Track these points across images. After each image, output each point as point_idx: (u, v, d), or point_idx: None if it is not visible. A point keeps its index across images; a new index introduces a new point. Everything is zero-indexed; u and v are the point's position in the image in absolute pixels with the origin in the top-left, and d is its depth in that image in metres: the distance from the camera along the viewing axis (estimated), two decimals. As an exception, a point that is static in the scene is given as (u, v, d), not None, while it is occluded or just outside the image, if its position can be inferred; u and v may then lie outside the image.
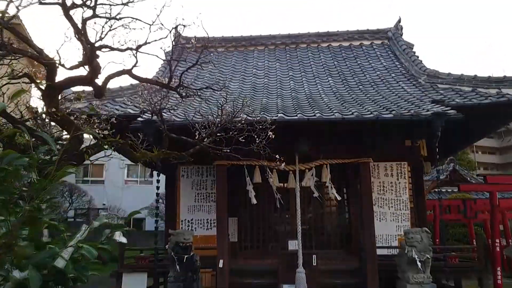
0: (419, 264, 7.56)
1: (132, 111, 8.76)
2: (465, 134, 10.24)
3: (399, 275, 8.23)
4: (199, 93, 5.83)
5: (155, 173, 13.47)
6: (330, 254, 10.20)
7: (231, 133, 5.97)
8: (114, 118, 5.24)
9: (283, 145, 7.44)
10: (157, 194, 7.76)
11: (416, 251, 7.59)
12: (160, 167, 7.76)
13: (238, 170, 8.84)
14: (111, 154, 4.80)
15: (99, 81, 4.77)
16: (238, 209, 10.76)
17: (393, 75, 11.10)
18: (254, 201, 8.54)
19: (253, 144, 5.78)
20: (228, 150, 5.81)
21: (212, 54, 12.18)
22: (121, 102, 9.78)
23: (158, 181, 7.93)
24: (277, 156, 5.93)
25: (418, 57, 11.73)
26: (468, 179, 23.47)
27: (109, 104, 9.40)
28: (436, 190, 15.40)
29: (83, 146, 4.81)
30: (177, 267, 7.93)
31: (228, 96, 6.45)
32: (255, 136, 5.81)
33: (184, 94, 5.47)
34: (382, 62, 12.02)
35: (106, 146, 4.65)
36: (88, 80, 4.54)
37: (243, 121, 5.82)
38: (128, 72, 4.84)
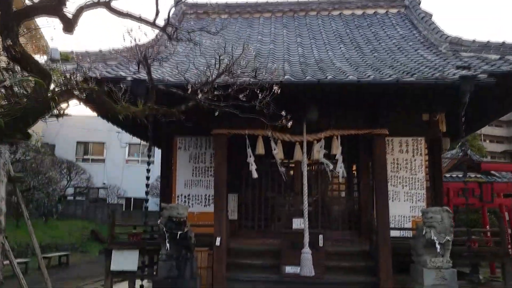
0: (438, 247, 6.76)
1: (124, 74, 7.92)
2: (483, 111, 9.32)
3: (413, 258, 7.44)
4: (190, 37, 4.97)
5: (157, 152, 12.76)
6: (338, 235, 9.45)
7: (230, 90, 5.15)
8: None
9: (290, 114, 6.64)
10: (148, 163, 6.98)
11: (436, 232, 6.79)
12: (151, 133, 6.95)
13: (239, 143, 8.02)
14: (80, 103, 3.99)
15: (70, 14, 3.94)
16: (238, 185, 10.00)
17: (410, 43, 10.15)
18: (255, 174, 7.74)
19: (255, 101, 4.94)
20: (227, 109, 4.99)
21: (216, 20, 11.31)
22: (113, 65, 8.93)
23: (150, 149, 7.14)
24: (282, 113, 5.07)
25: (437, 25, 10.76)
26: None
27: (100, 66, 8.56)
28: (447, 174, 14.64)
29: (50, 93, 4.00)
30: (168, 244, 7.19)
31: (226, 45, 5.58)
32: (258, 92, 4.98)
33: (174, 36, 4.62)
34: (399, 31, 11.06)
35: (76, 93, 3.82)
36: (54, 8, 3.70)
37: (245, 75, 4.96)
38: (106, 4, 4.00)
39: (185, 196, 9.50)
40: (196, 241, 7.93)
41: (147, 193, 6.89)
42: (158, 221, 7.35)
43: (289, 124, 5.05)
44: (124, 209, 28.34)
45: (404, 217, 9.11)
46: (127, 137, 23.11)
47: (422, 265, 6.95)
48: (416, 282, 7.10)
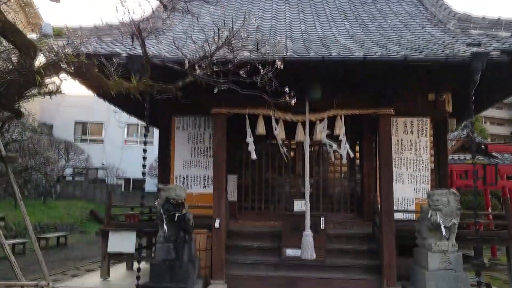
0: (443, 230, 6.56)
1: (119, 51, 7.59)
2: (490, 91, 9.01)
3: (417, 242, 7.26)
4: (187, 7, 4.63)
5: (156, 133, 12.47)
6: (340, 218, 9.29)
7: (230, 65, 4.85)
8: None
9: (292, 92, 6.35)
10: (145, 143, 6.71)
11: (441, 215, 6.57)
12: (148, 112, 6.66)
13: (239, 123, 7.75)
14: (67, 78, 3.69)
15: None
16: (238, 166, 9.78)
17: (417, 20, 9.78)
18: (254, 156, 7.48)
19: (256, 77, 4.65)
20: (226, 85, 4.70)
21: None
22: (108, 41, 8.58)
23: (147, 129, 6.86)
24: (285, 90, 4.77)
25: (445, 2, 10.35)
26: (483, 147, 22.40)
27: (94, 42, 8.21)
28: (449, 156, 14.41)
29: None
30: (166, 226, 7.00)
31: (226, 19, 5.25)
32: (259, 68, 4.68)
33: (171, 6, 4.29)
34: (405, 7, 10.65)
35: (64, 66, 3.53)
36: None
37: (245, 49, 4.65)
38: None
39: (183, 177, 9.27)
40: (195, 223, 7.74)
41: (143, 173, 6.65)
42: (155, 203, 7.15)
43: (292, 101, 4.76)
44: (123, 190, 28.27)
45: (407, 199, 8.90)
46: (126, 117, 22.82)
47: (426, 249, 6.76)
48: (420, 265, 6.93)
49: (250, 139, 7.37)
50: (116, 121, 27.90)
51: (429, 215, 6.68)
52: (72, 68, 3.54)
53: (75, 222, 20.88)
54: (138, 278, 6.43)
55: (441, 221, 6.54)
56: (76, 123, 31.15)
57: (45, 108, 29.76)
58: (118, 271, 9.30)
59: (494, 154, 18.92)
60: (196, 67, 4.57)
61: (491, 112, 47.43)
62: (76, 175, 28.50)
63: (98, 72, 4.03)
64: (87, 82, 4.19)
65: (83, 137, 31.07)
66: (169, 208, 6.94)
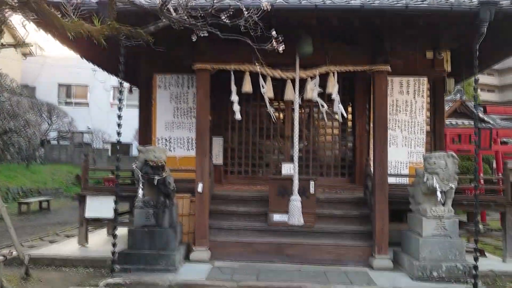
0: (439, 195, 6.19)
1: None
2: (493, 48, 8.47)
3: (411, 207, 6.92)
4: None
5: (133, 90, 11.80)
6: (330, 182, 8.90)
7: (210, 10, 4.24)
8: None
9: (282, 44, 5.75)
10: (120, 100, 6.13)
11: (438, 179, 6.19)
12: (123, 64, 6.03)
13: (225, 82, 7.15)
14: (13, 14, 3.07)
15: None
16: (224, 128, 9.27)
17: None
18: (238, 116, 6.94)
19: (238, 20, 4.04)
20: (206, 29, 4.10)
21: None
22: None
23: (121, 84, 6.25)
24: (273, 33, 4.18)
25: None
26: (481, 109, 22.13)
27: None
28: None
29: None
30: (145, 190, 6.54)
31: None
32: (243, 11, 4.07)
33: None
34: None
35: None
36: None
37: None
38: None
39: (166, 139, 8.75)
40: (178, 187, 7.33)
41: (119, 133, 6.11)
42: (133, 165, 6.66)
43: (280, 48, 4.18)
44: (110, 154, 27.68)
45: (401, 163, 8.52)
46: (112, 80, 21.97)
47: (421, 214, 6.42)
48: (413, 231, 6.61)
49: (235, 98, 6.80)
50: (101, 83, 27.04)
51: (425, 179, 6.30)
52: (15, 1, 2.92)
53: (60, 186, 20.39)
54: (114, 245, 6.00)
55: (437, 186, 6.16)
56: (60, 85, 30.16)
57: (26, 70, 28.71)
58: (99, 237, 8.91)
59: (486, 119, 18.72)
60: (171, 8, 3.95)
61: (482, 78, 47.03)
62: (61, 139, 27.80)
63: (53, 10, 3.41)
64: (38, 19, 3.55)
65: (68, 100, 30.15)
66: (148, 171, 6.45)
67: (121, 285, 5.67)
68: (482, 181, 9.41)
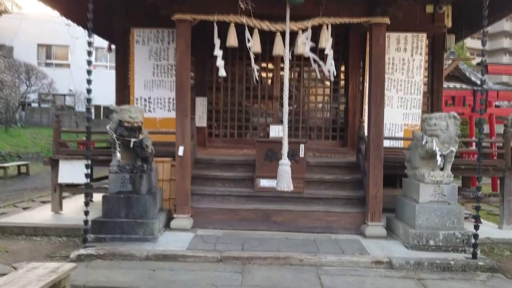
0: (439, 159, 5.75)
1: None
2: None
3: (407, 172, 6.50)
4: None
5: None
6: (321, 145, 8.43)
7: None
8: None
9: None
10: (89, 53, 5.46)
11: (439, 141, 5.73)
12: (91, 12, 5.32)
13: (209, 36, 6.44)
14: None
15: None
16: (208, 87, 8.65)
17: None
18: (222, 72, 6.26)
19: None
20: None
21: None
22: None
23: (89, 34, 5.54)
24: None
25: None
26: (467, 74, 21.74)
27: None
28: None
29: None
30: (120, 154, 5.98)
31: None
32: None
33: None
34: None
35: None
36: None
37: None
38: None
39: (145, 99, 8.13)
40: (159, 150, 6.80)
41: (89, 91, 5.48)
42: (107, 126, 6.07)
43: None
44: (94, 117, 26.85)
45: (396, 125, 8.05)
46: (95, 41, 20.93)
47: (418, 180, 6.00)
48: (408, 198, 6.21)
49: (218, 52, 6.13)
50: (83, 43, 25.83)
51: (423, 141, 5.83)
52: None
53: (42, 151, 19.68)
54: (86, 213, 5.50)
55: (437, 149, 5.70)
56: (40, 45, 28.88)
57: (2, 29, 27.27)
58: (75, 203, 8.39)
59: (478, 83, 18.52)
60: None
61: (471, 43, 46.41)
62: (42, 102, 26.84)
63: None
64: None
65: (48, 61, 28.94)
66: (122, 133, 5.87)
67: (93, 256, 5.20)
68: (475, 145, 9.04)
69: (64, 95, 28.31)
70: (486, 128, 13.23)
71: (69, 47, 28.43)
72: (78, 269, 4.16)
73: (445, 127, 5.72)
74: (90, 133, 5.71)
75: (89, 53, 5.54)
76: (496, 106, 15.34)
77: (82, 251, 5.28)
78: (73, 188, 7.65)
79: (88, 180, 5.60)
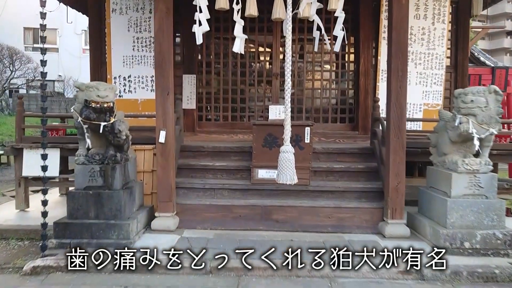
0: (477, 143, 4.71)
1: None
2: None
3: (432, 159, 5.45)
4: None
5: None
6: (328, 129, 7.38)
7: None
8: None
9: None
10: (43, 27, 4.38)
11: (476, 122, 4.68)
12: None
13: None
14: None
15: None
16: (197, 64, 7.56)
17: None
18: (200, 39, 4.95)
19: None
20: None
21: None
22: None
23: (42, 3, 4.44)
24: None
25: None
26: (476, 54, 20.67)
27: None
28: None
29: None
30: (89, 140, 4.92)
31: None
32: None
33: None
34: None
35: None
36: None
37: None
38: None
39: (124, 78, 7.05)
40: (140, 136, 5.78)
41: (42, 73, 4.43)
42: (72, 108, 5.00)
43: None
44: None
45: (414, 105, 7.00)
46: (83, 24, 19.74)
47: (448, 168, 4.96)
48: (436, 190, 5.17)
49: (201, 15, 4.91)
50: (71, 26, 24.62)
51: (456, 122, 4.77)
52: None
53: (27, 139, 18.56)
54: (44, 214, 4.47)
55: (474, 131, 4.66)
56: (26, 29, 27.62)
57: (-16, 11, 25.95)
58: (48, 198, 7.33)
59: (487, 62, 17.51)
60: None
61: (475, 24, 45.23)
62: (30, 88, 25.64)
63: None
64: None
65: (35, 45, 27.68)
66: (89, 116, 4.79)
67: (52, 268, 4.19)
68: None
69: (53, 81, 27.15)
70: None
71: (57, 30, 27.20)
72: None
73: (484, 104, 4.66)
74: (46, 116, 4.63)
75: (43, 30, 4.45)
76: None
77: (38, 262, 4.26)
78: (39, 182, 6.59)
79: (44, 173, 4.55)
